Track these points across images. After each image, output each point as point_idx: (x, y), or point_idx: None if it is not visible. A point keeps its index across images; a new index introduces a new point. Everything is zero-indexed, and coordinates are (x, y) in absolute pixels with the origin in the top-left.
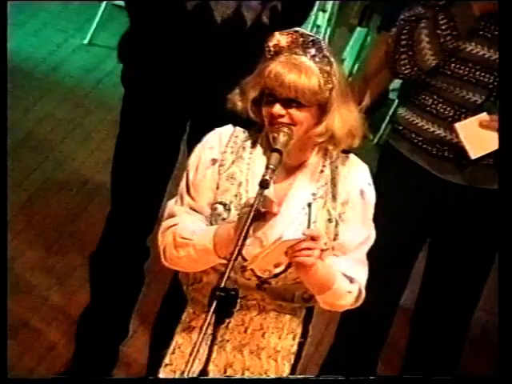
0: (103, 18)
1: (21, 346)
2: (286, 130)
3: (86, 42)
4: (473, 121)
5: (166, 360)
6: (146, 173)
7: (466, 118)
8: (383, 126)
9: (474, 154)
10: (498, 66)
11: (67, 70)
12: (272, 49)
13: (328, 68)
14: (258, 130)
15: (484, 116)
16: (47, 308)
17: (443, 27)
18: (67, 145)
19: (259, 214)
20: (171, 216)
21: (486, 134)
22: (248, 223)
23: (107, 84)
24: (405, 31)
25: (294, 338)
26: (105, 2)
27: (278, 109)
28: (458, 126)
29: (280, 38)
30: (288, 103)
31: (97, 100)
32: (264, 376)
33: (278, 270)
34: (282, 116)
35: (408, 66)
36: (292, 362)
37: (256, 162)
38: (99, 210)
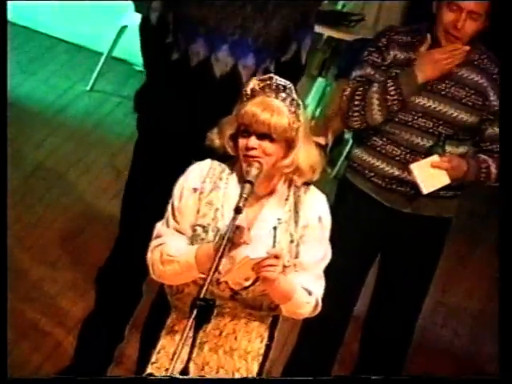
0: (103, 68)
1: (31, 346)
2: (257, 164)
3: (88, 88)
4: (425, 162)
5: (153, 359)
6: (153, 203)
7: (412, 157)
8: (340, 162)
9: (426, 190)
10: (500, 69)
11: (72, 113)
12: (249, 92)
13: (296, 110)
14: (232, 163)
15: (435, 158)
16: (54, 312)
17: (391, 93)
18: (70, 175)
19: (233, 237)
20: (158, 236)
21: (437, 172)
22: (224, 245)
23: (106, 124)
24: (358, 92)
25: (261, 341)
26: (105, 54)
27: (253, 141)
28: (412, 166)
29: (256, 83)
30: (261, 137)
31: (97, 138)
32: (236, 374)
33: (247, 283)
34: (255, 148)
35: (359, 122)
36: (260, 361)
37: (230, 190)
38: (97, 231)
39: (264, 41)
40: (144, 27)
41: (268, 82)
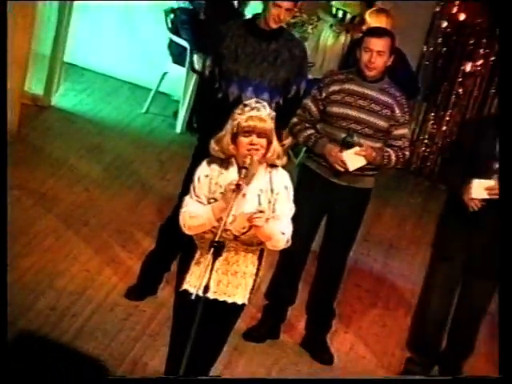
0: (153, 98)
1: (112, 272)
2: (249, 157)
3: (143, 111)
4: (351, 151)
5: (187, 279)
6: None
7: (345, 149)
8: (301, 154)
9: (352, 168)
10: (499, 70)
11: (133, 126)
12: (245, 108)
13: (272, 121)
14: (227, 160)
15: (356, 148)
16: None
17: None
18: (134, 166)
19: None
20: (185, 205)
21: (358, 157)
22: (231, 205)
23: (154, 133)
24: (297, 127)
25: (254, 266)
26: (154, 90)
27: (255, 140)
28: (343, 154)
29: (250, 102)
30: (258, 136)
31: (148, 141)
32: (240, 287)
33: (244, 230)
34: (256, 144)
35: (295, 140)
36: (253, 279)
37: (230, 175)
38: (151, 200)
39: (275, 85)
40: (201, 78)
41: (256, 101)
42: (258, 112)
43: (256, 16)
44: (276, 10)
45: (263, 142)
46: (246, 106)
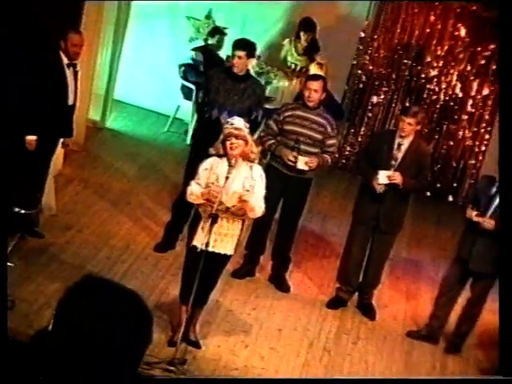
0: (171, 122)
1: (137, 231)
2: (234, 155)
3: (165, 130)
4: (305, 159)
5: (194, 239)
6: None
7: (295, 153)
8: (268, 156)
9: (299, 167)
10: (497, 71)
11: (159, 140)
12: (227, 124)
13: (248, 131)
14: (221, 157)
15: (306, 158)
16: (149, 216)
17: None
18: (159, 164)
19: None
20: (190, 185)
21: (304, 163)
22: (221, 190)
23: (172, 144)
24: (264, 137)
25: (238, 230)
26: (172, 116)
27: (234, 141)
28: (299, 157)
29: (231, 119)
30: (236, 139)
31: (169, 150)
32: (229, 243)
33: (234, 204)
34: (234, 143)
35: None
36: (238, 238)
37: (222, 168)
38: (168, 188)
39: (242, 111)
40: (197, 104)
41: (235, 121)
42: (234, 125)
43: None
44: (232, 59)
45: (240, 142)
46: (228, 122)
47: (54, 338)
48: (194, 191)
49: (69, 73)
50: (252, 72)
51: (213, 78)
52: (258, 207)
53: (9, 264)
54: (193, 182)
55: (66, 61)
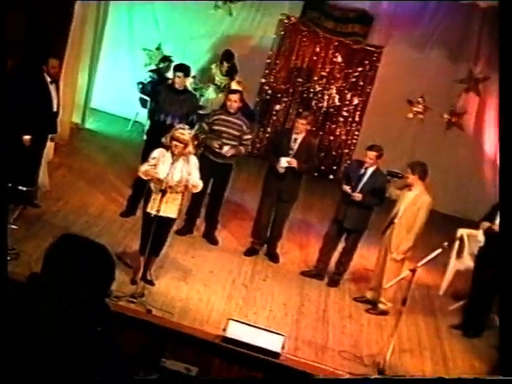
0: (132, 124)
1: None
2: (176, 152)
3: (128, 129)
4: (230, 150)
5: (148, 207)
6: (147, 157)
7: (220, 143)
8: (201, 147)
9: (225, 153)
10: (499, 71)
11: (123, 137)
12: (175, 129)
13: (189, 133)
14: (167, 149)
15: (227, 147)
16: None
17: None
18: (127, 155)
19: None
20: (142, 166)
21: (230, 151)
22: (170, 171)
23: (133, 141)
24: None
25: (180, 200)
26: (132, 119)
27: (176, 143)
28: (223, 146)
29: (179, 126)
30: (179, 142)
31: (131, 144)
32: (175, 209)
33: (178, 183)
34: (177, 145)
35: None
36: (180, 204)
37: (167, 159)
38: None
39: (181, 116)
40: (150, 111)
41: (181, 126)
42: (181, 131)
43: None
44: (174, 78)
45: (182, 145)
46: (176, 127)
47: (42, 278)
48: (141, 170)
49: (52, 88)
50: (189, 87)
51: (161, 92)
52: (198, 185)
53: (14, 227)
54: (144, 164)
55: (48, 79)
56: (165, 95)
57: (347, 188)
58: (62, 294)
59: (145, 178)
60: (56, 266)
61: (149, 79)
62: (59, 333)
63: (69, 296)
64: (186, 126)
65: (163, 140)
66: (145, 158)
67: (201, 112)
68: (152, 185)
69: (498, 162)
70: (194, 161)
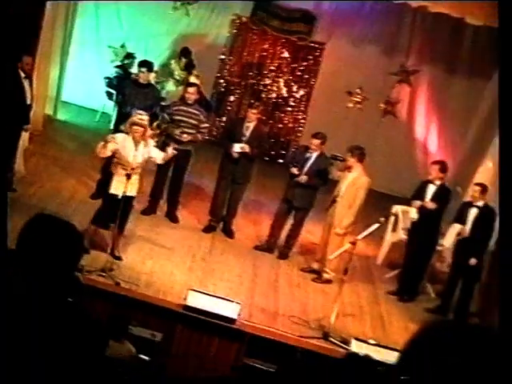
0: (100, 115)
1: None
2: (136, 136)
3: (96, 120)
4: (184, 133)
5: (112, 187)
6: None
7: (180, 131)
8: (163, 136)
9: (184, 139)
10: (499, 70)
11: (91, 127)
12: (135, 115)
13: (147, 119)
14: (128, 135)
15: (185, 135)
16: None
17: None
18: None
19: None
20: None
21: (189, 137)
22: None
23: (99, 129)
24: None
25: (140, 180)
26: (100, 111)
27: (136, 127)
28: (183, 134)
29: (138, 112)
30: (138, 126)
31: (98, 131)
32: (135, 189)
33: (138, 165)
34: (137, 129)
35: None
36: (139, 184)
37: (128, 142)
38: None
39: (146, 107)
40: (117, 103)
41: (140, 113)
42: (139, 116)
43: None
44: (138, 73)
45: (141, 129)
46: (136, 114)
47: (16, 254)
48: (100, 151)
49: (25, 83)
50: (152, 81)
51: (127, 86)
52: (157, 158)
53: None
54: (101, 143)
55: (23, 75)
56: (130, 89)
57: (294, 170)
58: (34, 268)
59: (101, 155)
60: (30, 242)
61: (115, 74)
62: (33, 305)
63: (41, 270)
64: (144, 112)
65: (122, 127)
66: None
67: (163, 104)
68: (115, 168)
69: (427, 145)
70: (151, 144)
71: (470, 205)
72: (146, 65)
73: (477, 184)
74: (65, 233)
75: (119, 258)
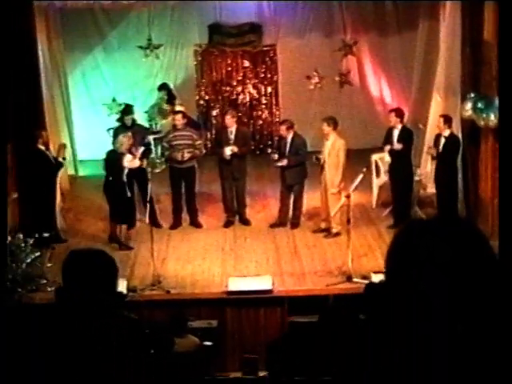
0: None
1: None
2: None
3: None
4: (188, 154)
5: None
6: None
7: (176, 152)
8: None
9: (186, 158)
10: (498, 70)
11: None
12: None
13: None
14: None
15: (185, 152)
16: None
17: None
18: None
19: None
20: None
21: (188, 155)
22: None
23: None
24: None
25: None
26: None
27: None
28: (184, 154)
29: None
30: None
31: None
32: None
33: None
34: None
35: None
36: None
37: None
38: None
39: (138, 143)
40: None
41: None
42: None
43: None
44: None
45: None
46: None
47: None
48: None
49: (48, 153)
50: (138, 121)
51: (119, 131)
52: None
53: (49, 265)
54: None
55: (43, 147)
56: (120, 132)
57: (275, 157)
58: (84, 299)
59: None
60: (70, 277)
61: (117, 125)
62: (102, 332)
63: (91, 298)
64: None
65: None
66: None
67: (159, 136)
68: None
69: (383, 99)
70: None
71: (440, 136)
72: (126, 110)
73: (441, 116)
74: (97, 260)
75: (131, 248)
